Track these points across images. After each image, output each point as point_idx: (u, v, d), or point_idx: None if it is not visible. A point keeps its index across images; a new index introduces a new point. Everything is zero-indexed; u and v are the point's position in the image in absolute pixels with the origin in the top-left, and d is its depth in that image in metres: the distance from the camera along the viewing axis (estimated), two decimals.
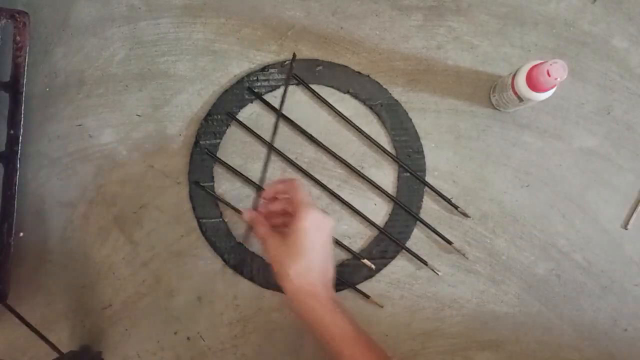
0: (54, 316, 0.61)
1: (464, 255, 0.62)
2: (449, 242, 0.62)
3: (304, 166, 0.62)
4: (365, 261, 0.61)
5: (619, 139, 0.63)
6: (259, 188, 0.61)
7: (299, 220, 0.50)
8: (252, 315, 0.62)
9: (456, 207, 0.62)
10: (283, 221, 0.56)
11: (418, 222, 0.62)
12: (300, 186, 0.53)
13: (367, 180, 0.61)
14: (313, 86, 0.62)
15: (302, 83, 0.62)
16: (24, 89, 0.58)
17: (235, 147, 0.62)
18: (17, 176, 0.58)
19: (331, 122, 0.63)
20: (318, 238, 0.51)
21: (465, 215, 0.62)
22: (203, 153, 0.61)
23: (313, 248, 0.50)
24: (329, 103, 0.62)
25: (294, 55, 0.61)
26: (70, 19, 0.62)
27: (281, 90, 0.62)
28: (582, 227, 0.63)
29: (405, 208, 0.62)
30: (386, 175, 0.63)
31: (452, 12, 0.63)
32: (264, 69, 0.62)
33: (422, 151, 0.62)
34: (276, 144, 0.62)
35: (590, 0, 0.64)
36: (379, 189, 0.62)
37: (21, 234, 0.61)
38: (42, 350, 0.61)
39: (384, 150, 0.62)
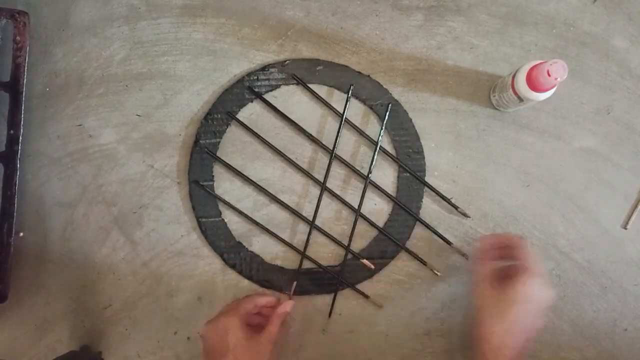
0: (54, 316, 0.61)
1: (463, 255, 0.62)
2: (449, 243, 0.62)
3: (304, 166, 0.62)
4: (365, 261, 0.61)
5: (619, 139, 0.63)
6: (259, 188, 0.62)
7: (522, 283, 0.50)
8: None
9: (456, 207, 0.62)
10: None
11: (418, 222, 0.62)
12: (528, 247, 0.54)
13: (367, 179, 0.61)
14: (313, 86, 0.62)
15: (302, 83, 0.62)
16: (24, 89, 0.58)
17: (235, 147, 0.62)
18: (17, 176, 0.58)
19: (331, 122, 0.63)
20: (534, 308, 0.51)
21: (465, 215, 0.62)
22: (203, 152, 0.61)
23: (525, 316, 0.50)
24: (329, 103, 0.62)
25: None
26: (70, 19, 0.62)
27: (282, 90, 0.62)
28: (582, 227, 0.63)
29: (405, 208, 0.62)
30: (386, 175, 0.63)
31: (452, 12, 0.63)
32: (264, 68, 0.62)
33: (422, 151, 0.62)
34: (276, 144, 0.62)
35: (590, 0, 0.64)
36: (379, 189, 0.62)
37: (21, 234, 0.61)
38: (42, 350, 0.61)
39: (384, 151, 0.62)
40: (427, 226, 0.62)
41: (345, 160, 0.62)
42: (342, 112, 0.61)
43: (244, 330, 0.52)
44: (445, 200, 0.62)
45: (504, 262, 0.55)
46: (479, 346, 0.51)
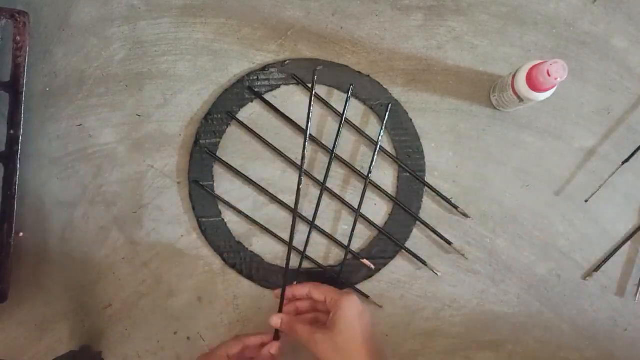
0: (54, 316, 0.61)
1: (463, 255, 0.62)
2: (449, 243, 0.62)
3: (304, 166, 0.62)
4: (365, 261, 0.61)
5: (619, 139, 0.63)
6: (259, 188, 0.62)
7: (340, 310, 0.50)
8: (252, 315, 0.62)
9: (456, 207, 0.62)
10: (313, 316, 0.57)
11: (418, 222, 0.62)
12: (321, 286, 0.55)
13: (367, 179, 0.61)
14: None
15: (302, 83, 0.62)
16: (24, 89, 0.58)
17: (235, 147, 0.62)
18: (17, 176, 0.58)
19: (331, 122, 0.63)
20: (364, 327, 0.50)
21: (465, 215, 0.62)
22: (203, 152, 0.61)
23: (363, 338, 0.49)
24: (329, 103, 0.62)
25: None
26: (70, 19, 0.62)
27: (282, 90, 0.62)
28: (582, 227, 0.63)
29: (405, 208, 0.62)
30: (386, 175, 0.63)
31: (452, 12, 0.63)
32: (264, 68, 0.62)
33: (422, 151, 0.62)
34: (276, 144, 0.62)
35: (590, 0, 0.64)
36: (379, 189, 0.62)
37: (21, 234, 0.61)
38: (42, 350, 0.61)
39: (384, 151, 0.62)
40: (427, 226, 0.62)
41: (345, 160, 0.62)
42: (342, 112, 0.61)
43: None
44: (445, 200, 0.62)
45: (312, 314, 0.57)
46: None
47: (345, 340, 0.49)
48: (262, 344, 0.55)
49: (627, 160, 0.62)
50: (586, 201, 0.62)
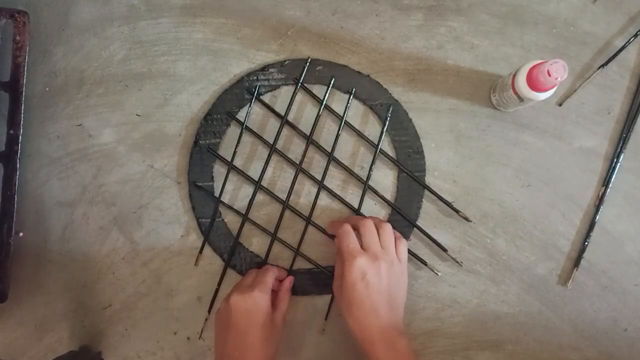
0: (54, 316, 0.61)
1: (457, 262, 0.61)
2: (444, 250, 0.61)
3: (304, 166, 0.62)
4: None
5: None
6: (260, 187, 0.61)
7: (344, 274, 0.53)
8: None
9: (457, 211, 0.61)
10: None
11: (419, 220, 0.62)
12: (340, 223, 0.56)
13: (366, 185, 0.61)
14: (313, 86, 0.62)
15: (301, 83, 0.62)
16: (24, 89, 0.58)
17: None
18: (17, 176, 0.58)
19: (330, 122, 0.63)
20: (362, 292, 0.52)
21: (466, 219, 0.62)
22: (203, 153, 0.61)
23: (356, 292, 0.52)
24: (329, 106, 0.62)
25: (308, 58, 0.61)
26: (70, 19, 0.62)
27: (282, 90, 0.62)
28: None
29: (402, 214, 0.61)
30: (386, 176, 0.63)
31: (452, 12, 0.63)
32: (264, 68, 0.62)
33: (422, 151, 0.62)
34: (276, 144, 0.62)
35: (590, 0, 0.64)
36: (378, 195, 0.62)
37: (21, 234, 0.61)
38: (42, 350, 0.61)
39: (384, 154, 0.62)
40: (424, 232, 0.61)
41: (343, 164, 0.61)
42: (341, 113, 0.61)
43: (269, 310, 0.54)
44: (446, 204, 0.61)
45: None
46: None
47: (345, 294, 0.53)
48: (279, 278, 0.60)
49: (603, 65, 0.62)
50: (560, 105, 0.62)
